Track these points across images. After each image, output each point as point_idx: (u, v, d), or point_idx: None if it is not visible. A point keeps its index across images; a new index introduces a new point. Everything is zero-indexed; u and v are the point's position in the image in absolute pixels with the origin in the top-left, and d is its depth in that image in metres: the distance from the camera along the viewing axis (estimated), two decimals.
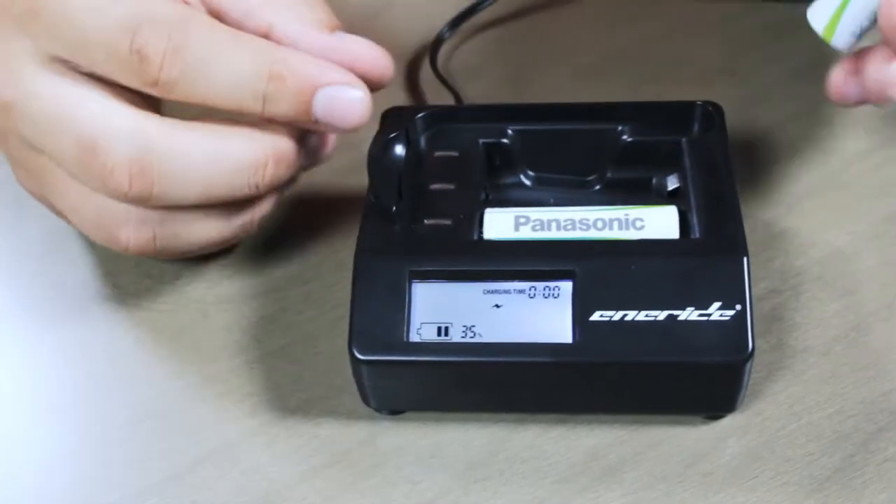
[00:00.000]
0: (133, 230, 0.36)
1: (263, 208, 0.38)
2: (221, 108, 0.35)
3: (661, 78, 0.48)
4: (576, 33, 0.50)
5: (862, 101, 0.36)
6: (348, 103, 0.35)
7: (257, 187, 0.36)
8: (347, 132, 0.36)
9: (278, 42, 0.36)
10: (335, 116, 0.35)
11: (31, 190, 0.39)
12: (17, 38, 0.35)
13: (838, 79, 0.36)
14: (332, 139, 0.38)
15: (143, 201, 0.35)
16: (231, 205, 0.37)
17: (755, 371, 0.35)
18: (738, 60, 0.48)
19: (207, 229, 0.37)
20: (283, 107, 0.35)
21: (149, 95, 0.35)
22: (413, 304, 0.34)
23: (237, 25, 0.36)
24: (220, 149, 0.35)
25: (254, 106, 0.34)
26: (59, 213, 0.39)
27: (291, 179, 0.38)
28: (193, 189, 0.35)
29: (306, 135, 0.37)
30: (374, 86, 0.36)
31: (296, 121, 0.35)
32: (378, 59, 0.37)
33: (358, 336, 0.34)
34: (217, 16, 0.36)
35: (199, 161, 0.35)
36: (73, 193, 0.36)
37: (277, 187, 0.37)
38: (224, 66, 0.34)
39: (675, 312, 0.34)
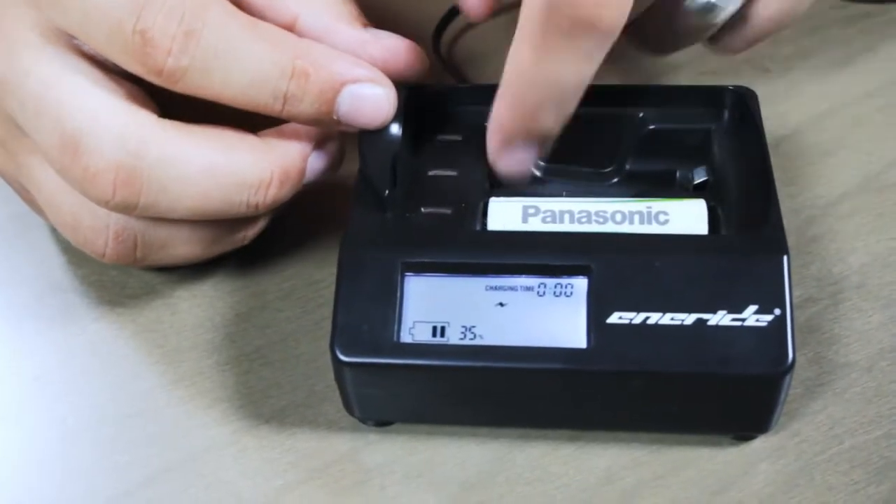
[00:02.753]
0: (113, 236, 0.33)
1: (258, 227, 0.35)
2: (235, 105, 0.31)
3: (684, 69, 0.45)
4: None
5: None
6: (373, 101, 0.33)
7: (257, 207, 0.33)
8: (368, 129, 0.33)
9: (303, 35, 0.34)
10: (359, 115, 0.33)
11: (6, 171, 0.36)
12: (25, 8, 0.32)
13: None
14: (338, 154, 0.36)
15: (127, 210, 0.32)
16: (223, 221, 0.34)
17: (790, 388, 0.31)
18: (768, 54, 0.45)
19: (194, 244, 0.35)
20: (304, 106, 0.32)
21: (154, 88, 0.32)
22: (405, 300, 0.31)
23: (259, 15, 0.33)
24: (221, 161, 0.32)
25: (273, 105, 0.32)
26: (30, 203, 0.36)
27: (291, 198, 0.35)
28: (185, 203, 0.32)
29: (318, 147, 0.34)
30: (406, 81, 0.35)
31: (317, 121, 0.32)
32: (412, 56, 0.35)
33: (341, 335, 0.31)
34: (237, 4, 0.33)
35: (195, 173, 0.32)
36: (51, 185, 0.33)
37: (277, 206, 0.34)
38: (242, 57, 0.31)
39: (705, 316, 0.30)
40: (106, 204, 0.32)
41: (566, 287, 0.31)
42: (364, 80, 0.32)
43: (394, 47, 0.35)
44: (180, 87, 0.31)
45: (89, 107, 0.31)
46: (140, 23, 0.30)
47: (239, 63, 0.31)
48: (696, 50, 0.45)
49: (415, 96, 0.36)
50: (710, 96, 0.36)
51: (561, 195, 0.35)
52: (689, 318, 0.30)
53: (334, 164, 0.35)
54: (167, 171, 0.31)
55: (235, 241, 0.35)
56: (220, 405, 0.34)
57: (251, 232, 0.35)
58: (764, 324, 0.30)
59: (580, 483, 0.32)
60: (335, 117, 0.32)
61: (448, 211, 0.33)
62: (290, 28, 0.34)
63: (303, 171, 0.34)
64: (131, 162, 0.31)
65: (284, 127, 0.34)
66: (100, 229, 0.33)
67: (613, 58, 0.45)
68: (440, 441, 0.33)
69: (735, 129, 0.35)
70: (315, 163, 0.34)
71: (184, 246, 0.35)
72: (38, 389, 0.35)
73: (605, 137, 0.36)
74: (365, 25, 0.35)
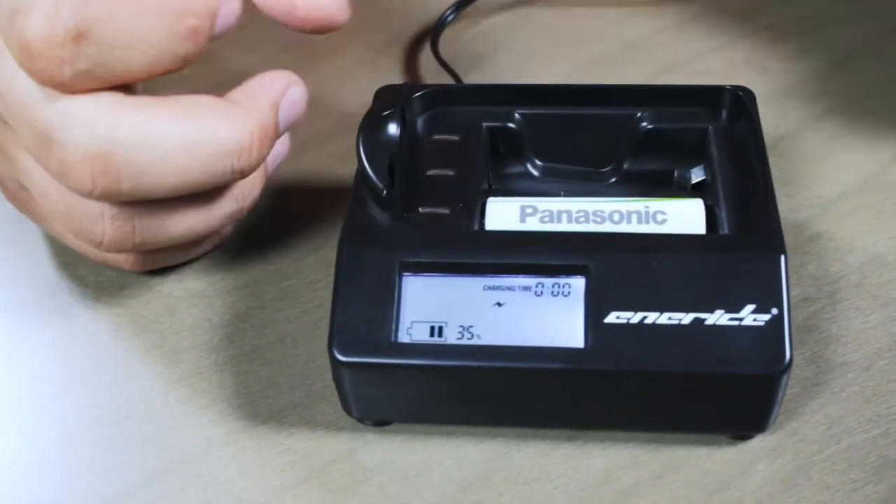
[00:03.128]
0: (109, 222, 0.32)
1: (254, 192, 0.35)
2: (149, 78, 0.31)
3: (682, 69, 0.45)
4: (588, 20, 0.48)
5: None
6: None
7: (242, 172, 0.32)
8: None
9: None
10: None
11: (4, 170, 0.35)
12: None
13: None
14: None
15: (111, 198, 0.31)
16: (215, 190, 0.33)
17: (788, 387, 0.31)
18: (767, 54, 0.45)
19: (190, 219, 0.34)
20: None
21: None
22: (403, 300, 0.31)
23: None
24: (196, 133, 0.31)
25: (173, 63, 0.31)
26: (25, 207, 0.36)
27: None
28: (168, 181, 0.31)
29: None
30: (324, 32, 0.32)
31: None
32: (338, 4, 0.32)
33: (339, 335, 0.31)
34: None
35: (171, 149, 0.31)
36: (41, 176, 0.33)
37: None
38: (139, 38, 0.30)
39: (702, 316, 0.30)
40: (89, 194, 0.31)
41: (564, 287, 0.31)
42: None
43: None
44: (86, 87, 0.30)
45: (56, 99, 0.30)
46: (25, 35, 0.29)
47: (136, 45, 0.30)
48: (694, 49, 0.45)
49: (413, 96, 0.36)
50: (708, 96, 0.36)
51: (559, 195, 0.35)
52: (686, 318, 0.30)
53: (303, 111, 0.34)
54: (143, 152, 0.30)
55: (234, 212, 0.34)
56: (218, 405, 0.34)
57: (248, 199, 0.34)
58: (761, 323, 0.30)
59: (578, 482, 0.32)
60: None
61: (446, 211, 0.33)
62: None
63: (277, 125, 0.32)
64: (105, 149, 0.30)
65: (249, 83, 0.33)
66: (94, 216, 0.32)
67: (613, 56, 0.45)
68: (438, 441, 0.33)
69: (733, 128, 0.35)
70: (286, 113, 0.33)
71: (181, 220, 0.33)
72: (37, 390, 0.35)
73: (602, 137, 0.36)
74: None
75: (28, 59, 0.29)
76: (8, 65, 0.31)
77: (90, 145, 0.30)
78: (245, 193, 0.34)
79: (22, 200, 0.36)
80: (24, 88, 0.30)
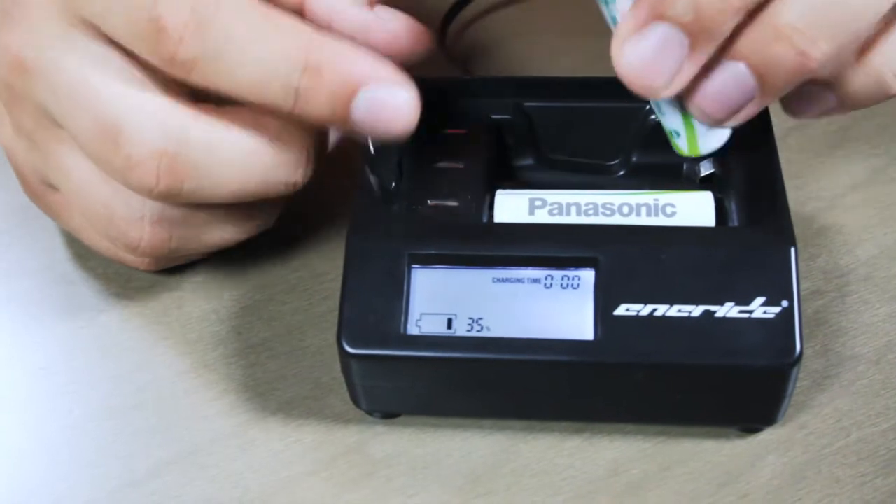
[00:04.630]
0: (148, 227, 0.33)
1: (284, 203, 0.35)
2: (247, 101, 0.30)
3: None
4: (596, 12, 0.47)
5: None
6: (394, 107, 0.30)
7: (295, 185, 0.33)
8: (388, 139, 0.31)
9: (311, 14, 0.33)
10: (378, 121, 0.30)
11: (28, 164, 0.35)
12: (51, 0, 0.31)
13: None
14: None
15: (170, 198, 0.32)
16: (255, 203, 0.34)
17: (798, 380, 0.31)
18: None
19: (226, 229, 0.34)
20: (317, 105, 0.30)
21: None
22: (412, 292, 0.31)
23: None
24: (261, 143, 0.32)
25: (283, 101, 0.30)
26: (45, 204, 0.36)
27: None
28: (228, 186, 0.32)
29: None
30: (410, 62, 0.33)
31: (330, 122, 0.31)
32: (415, 38, 0.33)
33: (348, 327, 0.31)
34: None
35: (238, 156, 0.31)
36: (83, 175, 0.33)
37: None
38: (253, 49, 0.30)
39: (712, 308, 0.30)
40: (149, 193, 0.31)
41: (573, 279, 0.31)
42: (385, 81, 0.30)
43: (398, 29, 0.33)
44: (193, 78, 0.30)
45: (127, 94, 0.31)
46: (155, 10, 0.29)
47: (250, 54, 0.29)
48: None
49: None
50: None
51: (567, 188, 0.35)
52: (696, 310, 0.30)
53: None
54: (210, 156, 0.31)
55: (263, 223, 0.35)
56: (227, 397, 0.34)
57: (279, 210, 0.35)
58: (771, 315, 0.30)
59: (586, 475, 0.32)
60: (351, 122, 0.30)
61: (454, 203, 0.33)
62: (298, 8, 0.33)
63: (327, 140, 0.33)
64: (174, 148, 0.30)
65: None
66: (134, 220, 0.33)
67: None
68: (447, 433, 0.33)
69: None
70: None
71: (217, 231, 0.34)
72: (44, 381, 0.35)
73: (611, 130, 0.35)
74: (372, 4, 0.34)
75: (150, 35, 0.30)
76: (69, 63, 0.31)
77: (160, 142, 0.30)
78: (279, 203, 0.35)
79: (42, 196, 0.36)
80: (93, 85, 0.31)
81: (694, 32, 0.28)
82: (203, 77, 0.30)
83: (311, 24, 0.31)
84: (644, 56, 0.28)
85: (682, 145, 0.32)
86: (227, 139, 0.31)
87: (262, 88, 0.30)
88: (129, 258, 0.35)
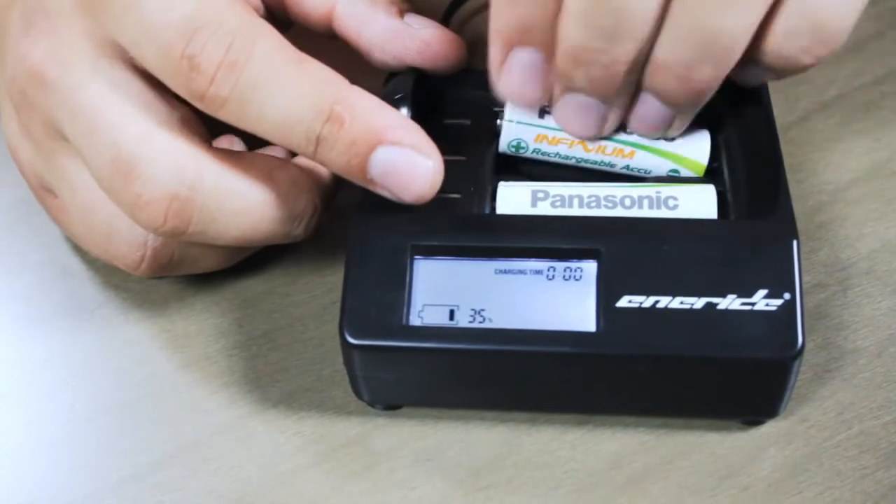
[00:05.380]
0: (150, 252, 0.33)
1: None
2: (271, 140, 0.31)
3: None
4: None
5: None
6: (409, 171, 0.30)
7: (298, 236, 0.34)
8: (404, 202, 0.31)
9: (341, 22, 0.33)
10: (394, 182, 0.30)
11: (33, 167, 0.34)
12: (79, 16, 0.31)
13: None
14: None
15: (174, 237, 0.32)
16: None
17: (800, 373, 0.31)
18: None
19: (227, 254, 0.35)
20: (335, 155, 0.30)
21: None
22: (414, 283, 0.31)
23: (298, 5, 0.33)
24: (271, 197, 0.32)
25: (305, 146, 0.30)
26: (48, 205, 0.35)
27: None
28: (233, 234, 0.32)
29: None
30: (441, 71, 0.35)
31: (347, 174, 0.31)
32: (447, 48, 0.34)
33: (350, 318, 0.30)
34: None
35: (246, 207, 0.32)
36: (89, 193, 0.33)
37: None
38: (281, 93, 0.30)
39: (715, 300, 0.30)
40: (154, 230, 0.31)
41: (575, 270, 0.31)
42: (403, 144, 0.30)
43: (429, 38, 0.34)
44: (221, 115, 0.30)
45: (146, 133, 0.31)
46: (190, 47, 0.29)
47: (277, 99, 0.30)
48: None
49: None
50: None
51: (569, 180, 0.35)
52: (698, 302, 0.30)
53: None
54: (220, 204, 0.31)
55: (261, 247, 0.36)
56: (228, 390, 0.34)
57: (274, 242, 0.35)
58: (774, 308, 0.30)
59: (588, 467, 0.32)
60: (368, 177, 0.30)
61: (457, 195, 0.33)
62: (328, 15, 0.33)
63: (334, 195, 0.34)
64: (186, 193, 0.31)
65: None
66: (137, 245, 0.33)
67: None
68: (449, 425, 0.33)
69: (745, 114, 0.35)
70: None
71: (219, 255, 0.35)
72: (45, 374, 0.35)
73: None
74: (402, 12, 0.34)
75: (181, 70, 0.30)
76: (92, 88, 0.31)
77: (173, 186, 0.30)
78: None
79: (42, 198, 0.36)
80: (113, 116, 0.31)
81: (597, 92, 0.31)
82: (229, 115, 0.30)
83: (342, 77, 0.31)
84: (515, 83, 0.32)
85: (689, 173, 0.34)
86: (238, 190, 0.31)
87: (285, 132, 0.30)
88: (124, 264, 0.35)
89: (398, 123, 0.30)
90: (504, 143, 0.34)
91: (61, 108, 0.31)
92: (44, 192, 0.35)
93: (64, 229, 0.36)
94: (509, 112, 0.34)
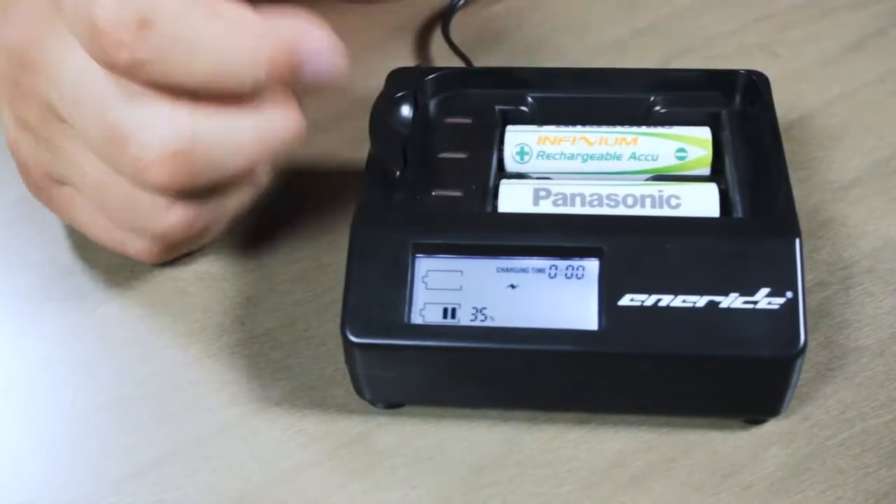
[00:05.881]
0: (175, 211, 0.32)
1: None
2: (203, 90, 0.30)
3: (693, 55, 0.45)
4: (601, 5, 0.47)
5: None
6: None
7: (297, 138, 0.32)
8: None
9: None
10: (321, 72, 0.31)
11: (36, 162, 0.34)
12: None
13: None
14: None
15: (185, 190, 0.31)
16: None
17: (802, 371, 0.31)
18: (778, 39, 0.45)
19: (242, 194, 0.34)
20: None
21: None
22: (416, 282, 0.31)
23: None
24: (264, 119, 0.31)
25: (243, 89, 0.30)
26: (49, 195, 0.35)
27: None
28: (239, 167, 0.32)
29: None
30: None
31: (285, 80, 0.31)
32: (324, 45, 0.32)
33: (352, 316, 0.30)
34: None
35: (244, 142, 0.31)
36: (100, 169, 0.32)
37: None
38: (204, 47, 0.29)
39: (717, 299, 0.30)
40: (164, 190, 0.31)
41: (577, 269, 0.31)
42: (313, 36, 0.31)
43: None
44: (142, 79, 0.29)
45: (130, 95, 0.30)
46: (93, 12, 0.28)
47: (202, 52, 0.29)
48: (706, 35, 0.45)
49: (426, 78, 0.36)
50: (723, 80, 0.36)
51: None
52: (700, 301, 0.30)
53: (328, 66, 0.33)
54: (220, 146, 0.31)
55: (266, 181, 0.35)
56: (230, 388, 0.34)
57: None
58: (776, 306, 0.30)
59: (590, 466, 0.32)
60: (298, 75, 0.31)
61: (458, 193, 0.33)
62: None
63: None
64: (185, 147, 0.30)
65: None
66: (161, 208, 0.32)
67: (624, 42, 0.45)
68: (450, 424, 0.32)
69: (747, 113, 0.35)
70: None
71: (238, 198, 0.34)
72: (47, 372, 0.35)
73: (616, 121, 0.35)
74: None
75: (91, 39, 0.29)
76: (75, 61, 0.30)
77: (170, 144, 0.30)
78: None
79: (46, 190, 0.35)
80: (97, 87, 0.30)
81: None
82: (152, 77, 0.29)
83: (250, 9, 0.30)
84: None
85: (697, 150, 0.34)
86: (232, 127, 0.31)
87: (219, 82, 0.30)
88: (136, 250, 0.35)
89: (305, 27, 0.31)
90: (509, 153, 0.34)
91: (48, 86, 0.31)
92: (48, 183, 0.35)
93: (69, 219, 0.36)
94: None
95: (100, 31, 0.28)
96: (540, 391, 0.32)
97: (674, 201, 0.33)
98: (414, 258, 0.31)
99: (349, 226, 0.32)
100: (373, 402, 0.33)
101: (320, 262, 0.37)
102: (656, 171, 0.34)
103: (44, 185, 0.35)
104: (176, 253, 0.36)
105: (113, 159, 0.31)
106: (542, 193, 0.33)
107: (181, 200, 0.32)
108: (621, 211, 0.32)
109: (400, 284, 0.30)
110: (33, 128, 0.33)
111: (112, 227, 0.34)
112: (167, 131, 0.30)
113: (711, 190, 0.33)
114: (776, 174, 0.32)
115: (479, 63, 0.43)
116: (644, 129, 0.34)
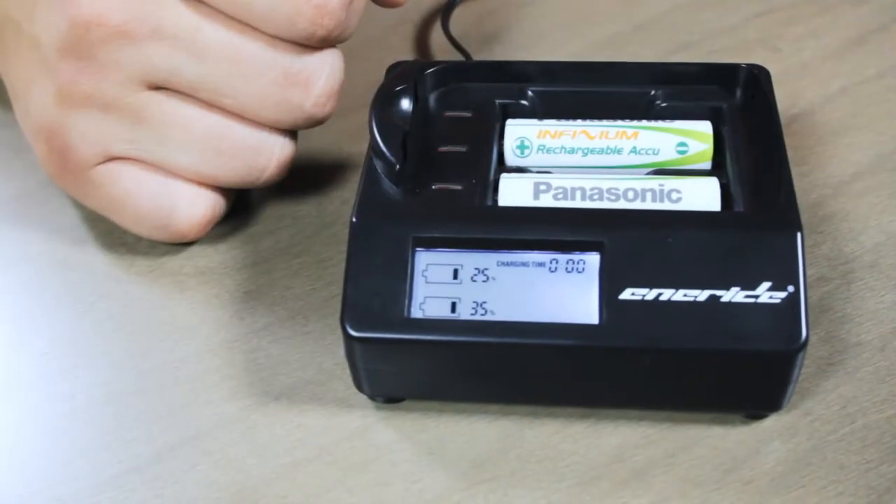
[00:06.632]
0: (279, 146, 0.35)
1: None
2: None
3: (694, 49, 0.44)
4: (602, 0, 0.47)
5: None
6: None
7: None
8: None
9: None
10: None
11: (92, 136, 0.34)
12: None
13: None
14: None
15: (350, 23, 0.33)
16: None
17: (803, 366, 0.31)
18: (779, 34, 0.45)
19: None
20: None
21: None
22: (416, 275, 0.31)
23: None
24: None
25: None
26: (87, 182, 0.35)
27: None
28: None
29: None
30: None
31: None
32: None
33: (352, 310, 0.30)
34: None
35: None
36: (212, 120, 0.33)
37: None
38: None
39: (718, 293, 0.30)
40: (326, 36, 0.32)
41: (578, 263, 0.31)
42: None
43: None
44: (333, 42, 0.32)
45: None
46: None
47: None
48: (706, 29, 0.45)
49: (426, 72, 0.36)
50: (724, 74, 0.35)
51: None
52: (702, 295, 0.30)
53: None
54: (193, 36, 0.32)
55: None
56: (229, 382, 0.34)
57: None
58: (777, 301, 0.29)
59: (591, 461, 0.31)
60: None
61: (459, 187, 0.33)
62: None
63: None
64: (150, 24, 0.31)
65: None
66: (266, 148, 0.34)
67: (624, 36, 0.45)
68: (450, 418, 0.32)
69: (748, 106, 0.35)
70: None
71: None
72: (46, 366, 0.34)
73: (616, 115, 0.35)
74: None
75: (303, 19, 0.32)
76: (185, 11, 0.31)
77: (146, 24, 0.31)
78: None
79: (82, 172, 0.34)
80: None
81: None
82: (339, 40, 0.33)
83: None
84: None
85: (698, 144, 0.34)
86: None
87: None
88: (176, 228, 0.35)
89: None
90: (509, 147, 0.34)
91: (167, 54, 0.32)
92: (92, 164, 0.34)
93: (101, 201, 0.35)
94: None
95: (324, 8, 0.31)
96: (540, 385, 0.31)
97: (675, 195, 0.32)
98: (414, 252, 0.31)
99: (349, 219, 0.31)
100: (372, 397, 0.33)
101: (319, 256, 0.37)
102: (657, 165, 0.34)
103: (85, 167, 0.34)
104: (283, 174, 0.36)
105: (293, 21, 0.32)
106: (543, 187, 0.33)
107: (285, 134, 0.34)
108: (622, 205, 0.32)
109: (400, 278, 0.30)
110: (109, 101, 0.33)
111: (164, 186, 0.34)
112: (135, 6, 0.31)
113: (712, 184, 0.33)
114: (777, 168, 0.32)
115: (478, 57, 0.43)
116: (645, 123, 0.34)
